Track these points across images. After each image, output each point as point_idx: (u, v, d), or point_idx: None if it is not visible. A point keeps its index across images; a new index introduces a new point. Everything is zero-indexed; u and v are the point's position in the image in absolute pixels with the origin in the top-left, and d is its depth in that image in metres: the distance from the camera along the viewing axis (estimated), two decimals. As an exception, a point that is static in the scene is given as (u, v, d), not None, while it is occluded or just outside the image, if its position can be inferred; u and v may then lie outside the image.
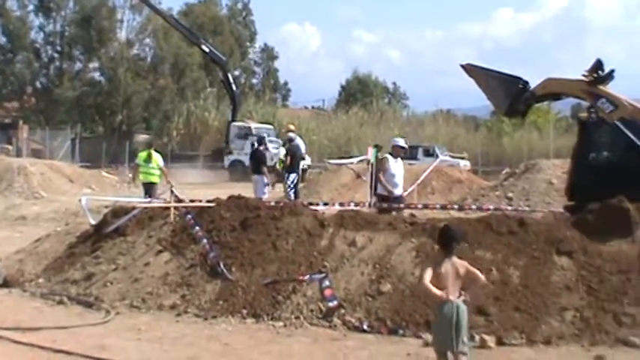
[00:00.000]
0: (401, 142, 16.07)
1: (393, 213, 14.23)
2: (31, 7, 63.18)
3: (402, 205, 15.28)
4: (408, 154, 48.38)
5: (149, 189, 21.49)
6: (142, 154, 22.37)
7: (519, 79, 14.85)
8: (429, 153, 47.40)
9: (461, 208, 17.65)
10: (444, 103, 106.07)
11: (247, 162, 29.87)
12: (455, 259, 7.25)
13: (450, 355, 7.09)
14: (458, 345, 7.06)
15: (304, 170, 33.33)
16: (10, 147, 47.99)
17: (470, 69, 15.60)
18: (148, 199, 18.56)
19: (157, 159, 22.17)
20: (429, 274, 7.11)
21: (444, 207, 17.26)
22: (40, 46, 63.74)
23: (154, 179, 21.85)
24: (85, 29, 61.35)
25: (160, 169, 22.03)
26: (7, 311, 10.64)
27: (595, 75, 13.43)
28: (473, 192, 25.23)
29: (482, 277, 7.41)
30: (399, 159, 15.66)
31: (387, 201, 15.24)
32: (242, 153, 46.53)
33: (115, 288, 11.40)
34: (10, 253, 14.54)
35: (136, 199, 18.02)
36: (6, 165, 32.93)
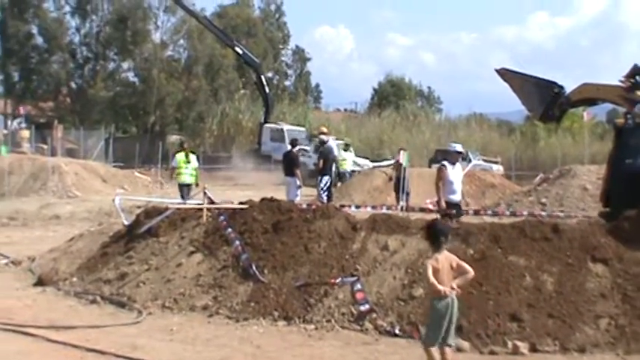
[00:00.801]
0: (458, 147, 15.57)
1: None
2: (67, 9, 63.79)
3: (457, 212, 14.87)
4: (441, 158, 48.51)
5: (187, 190, 21.73)
6: (181, 156, 22.56)
7: (554, 83, 14.74)
8: (463, 157, 47.11)
9: (495, 214, 17.50)
10: (478, 107, 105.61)
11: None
12: (446, 253, 7.56)
13: (434, 350, 7.42)
14: (448, 337, 7.42)
15: (351, 173, 33.64)
16: (45, 146, 48.40)
17: (504, 73, 15.52)
18: (182, 200, 18.92)
19: (194, 160, 22.57)
20: (431, 269, 7.38)
21: (476, 212, 17.15)
22: (76, 47, 64.25)
23: (192, 180, 22.20)
24: (120, 30, 61.73)
25: (195, 169, 22.46)
26: (41, 310, 10.75)
27: (632, 81, 13.29)
28: (506, 197, 25.08)
29: (471, 270, 7.61)
30: (457, 164, 15.28)
31: (447, 207, 14.96)
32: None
33: (147, 288, 11.46)
34: (45, 252, 14.70)
35: (168, 199, 18.15)
36: (41, 164, 33.22)
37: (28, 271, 13.71)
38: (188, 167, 22.24)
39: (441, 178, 14.83)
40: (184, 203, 15.82)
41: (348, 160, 34.67)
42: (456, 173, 14.95)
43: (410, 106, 73.29)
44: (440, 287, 7.31)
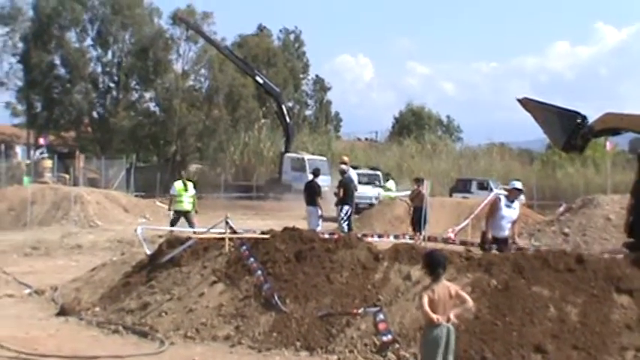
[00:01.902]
0: (518, 185, 15.11)
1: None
2: (89, 39, 64.41)
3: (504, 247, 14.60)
4: (462, 187, 48.24)
5: (186, 216, 23.31)
6: (179, 184, 23.77)
7: (577, 113, 14.70)
8: (484, 186, 46.99)
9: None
10: (498, 136, 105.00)
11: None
12: (445, 282, 7.60)
13: None
14: None
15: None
16: (67, 176, 48.70)
17: (526, 103, 15.51)
18: (194, 229, 20.26)
19: (191, 188, 23.95)
20: (427, 300, 7.42)
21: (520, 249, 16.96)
22: (98, 77, 64.79)
23: (190, 207, 23.53)
24: (142, 60, 62.25)
25: (193, 197, 23.90)
26: (64, 339, 10.78)
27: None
28: (528, 227, 24.94)
29: (470, 300, 7.71)
30: (515, 202, 14.96)
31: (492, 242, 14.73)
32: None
33: (169, 318, 11.47)
34: (67, 282, 14.77)
35: (190, 229, 18.21)
36: (63, 194, 33.39)
37: (50, 301, 13.76)
38: (186, 195, 23.45)
39: (492, 210, 14.59)
40: (207, 231, 15.85)
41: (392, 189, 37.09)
42: (510, 210, 14.65)
43: (430, 136, 73.37)
44: (433, 315, 7.36)
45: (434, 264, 7.67)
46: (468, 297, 7.69)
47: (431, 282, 7.63)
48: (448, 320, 7.41)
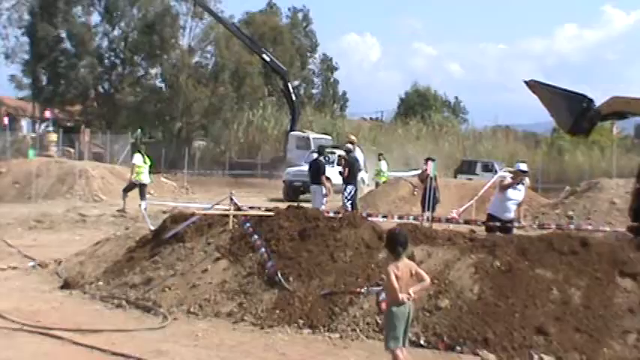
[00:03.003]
0: (523, 166, 15.13)
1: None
2: (95, 14, 64.31)
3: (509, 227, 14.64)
4: (467, 169, 48.17)
5: (143, 189, 25.01)
6: (140, 157, 25.43)
7: (584, 96, 14.62)
8: (488, 168, 46.96)
9: (541, 227, 17.34)
10: (504, 118, 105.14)
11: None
12: (405, 260, 7.89)
13: (399, 352, 7.79)
14: (406, 339, 7.93)
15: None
16: (72, 150, 48.80)
17: (533, 85, 15.42)
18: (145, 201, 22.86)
19: (148, 161, 25.56)
20: (393, 275, 7.67)
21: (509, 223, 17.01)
22: (104, 52, 64.71)
23: (148, 180, 25.51)
24: (148, 36, 62.13)
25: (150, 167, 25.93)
26: (67, 313, 10.82)
27: (663, 95, 13.18)
28: (532, 209, 24.91)
29: (428, 278, 7.92)
30: (520, 184, 15.03)
31: (495, 221, 14.79)
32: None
33: (172, 293, 11.50)
34: (71, 255, 14.80)
35: (194, 205, 18.23)
36: (68, 168, 33.44)
37: (54, 274, 13.80)
38: (146, 167, 25.08)
39: (500, 187, 14.70)
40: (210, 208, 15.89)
41: (383, 171, 36.13)
42: (515, 192, 14.72)
43: (436, 116, 73.25)
44: (400, 295, 7.62)
45: (394, 242, 7.92)
46: (426, 275, 7.90)
47: (393, 260, 7.86)
48: (409, 298, 7.72)
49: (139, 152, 25.26)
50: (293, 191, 36.21)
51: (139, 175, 24.53)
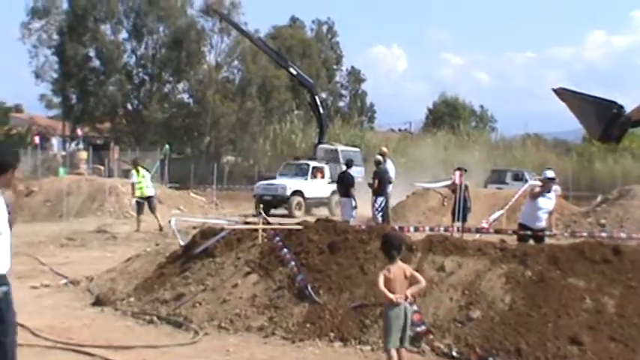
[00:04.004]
0: (550, 173, 15.08)
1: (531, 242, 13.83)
2: (124, 32, 64.91)
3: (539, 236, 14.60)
4: (497, 178, 47.88)
5: (151, 201, 25.06)
6: (133, 173, 25.55)
7: (614, 103, 14.45)
8: (518, 177, 46.66)
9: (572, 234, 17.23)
10: (534, 127, 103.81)
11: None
12: (400, 263, 8.26)
13: (394, 352, 8.07)
14: (405, 341, 8.19)
15: None
16: (101, 167, 49.16)
17: (562, 93, 15.29)
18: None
19: (146, 172, 25.75)
20: (382, 279, 8.07)
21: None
22: (132, 69, 65.25)
23: (152, 192, 25.36)
24: (175, 52, 62.59)
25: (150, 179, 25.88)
26: (99, 329, 10.88)
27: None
28: (564, 218, 24.76)
29: (423, 280, 8.37)
30: (550, 192, 14.99)
31: (526, 231, 14.74)
32: None
33: (203, 309, 11.52)
34: (102, 272, 14.89)
35: (224, 220, 18.28)
36: (98, 185, 33.66)
37: (86, 291, 13.88)
38: (145, 180, 25.08)
39: (530, 196, 14.65)
40: (237, 223, 15.93)
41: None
42: (546, 201, 14.66)
43: (464, 126, 73.01)
44: (390, 295, 7.98)
45: (388, 246, 8.33)
46: (421, 278, 8.34)
47: (387, 263, 8.25)
48: (406, 299, 8.06)
49: (135, 169, 25.42)
50: (264, 205, 34.30)
51: (142, 190, 24.71)
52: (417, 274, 8.34)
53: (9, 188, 7.19)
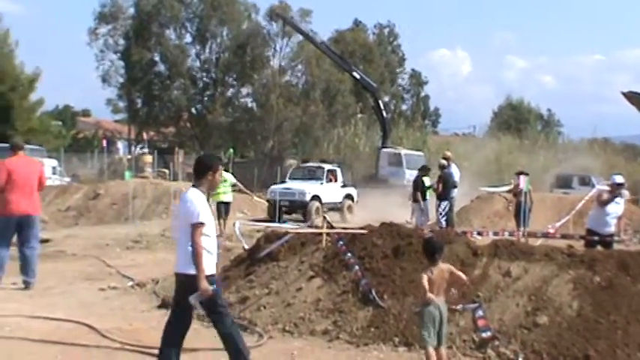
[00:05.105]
0: (618, 179, 14.79)
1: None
2: (188, 36, 65.65)
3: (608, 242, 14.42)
4: (563, 183, 47.23)
5: (227, 208, 24.66)
6: None
7: (684, 105, 14.29)
8: (585, 182, 45.94)
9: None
10: (602, 131, 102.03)
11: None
12: (441, 264, 8.58)
13: (431, 349, 8.36)
14: (442, 339, 8.49)
15: None
16: (166, 171, 49.72)
17: (631, 97, 15.17)
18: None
19: (230, 177, 25.23)
20: (426, 280, 8.42)
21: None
22: (196, 73, 65.92)
23: (229, 198, 25.07)
24: (239, 56, 63.05)
25: (234, 185, 25.74)
26: (165, 331, 11.00)
27: None
28: (633, 223, 24.33)
29: (464, 277, 8.77)
30: (619, 197, 14.78)
31: (594, 236, 14.56)
32: None
33: (267, 312, 11.59)
34: (168, 275, 15.04)
35: (287, 224, 18.35)
36: (163, 189, 34.09)
37: (152, 294, 14.06)
38: (224, 186, 24.41)
39: (599, 202, 14.47)
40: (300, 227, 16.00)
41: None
42: (614, 206, 14.46)
43: (530, 130, 72.22)
44: (429, 295, 8.38)
45: (432, 249, 8.65)
46: (462, 274, 8.71)
47: (429, 265, 8.59)
48: (444, 298, 8.52)
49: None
50: (278, 211, 32.06)
51: (218, 195, 24.35)
52: (458, 272, 8.69)
53: (213, 190, 8.25)
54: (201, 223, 7.96)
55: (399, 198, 31.74)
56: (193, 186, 8.25)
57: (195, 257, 7.90)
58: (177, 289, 8.51)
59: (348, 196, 36.66)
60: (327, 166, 36.61)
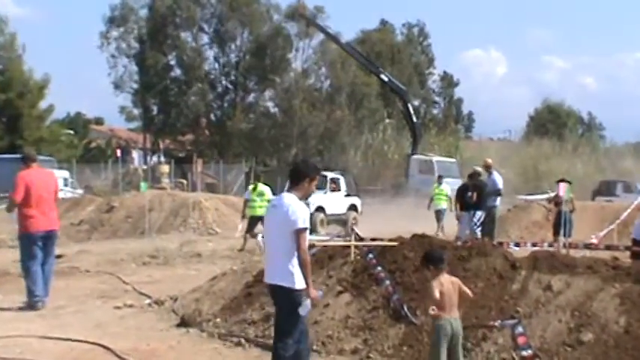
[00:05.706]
0: None
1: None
2: (205, 39, 65.75)
3: None
4: (606, 190, 46.97)
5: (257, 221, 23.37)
6: (253, 188, 24.66)
7: None
8: (630, 189, 45.68)
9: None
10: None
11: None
12: (446, 275, 8.53)
13: None
14: (459, 357, 8.47)
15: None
16: (184, 181, 49.86)
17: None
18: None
19: (268, 191, 24.42)
20: (437, 291, 8.28)
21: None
22: (215, 77, 65.97)
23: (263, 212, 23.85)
24: (260, 59, 63.07)
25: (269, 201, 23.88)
26: (185, 352, 11.02)
27: None
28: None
29: (469, 292, 8.77)
30: None
31: None
32: None
33: (293, 330, 11.56)
34: (187, 292, 15.08)
35: (314, 237, 18.32)
36: (181, 200, 34.08)
37: (170, 312, 14.06)
38: (260, 200, 23.95)
39: None
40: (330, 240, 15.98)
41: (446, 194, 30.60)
42: None
43: (570, 134, 71.91)
44: (431, 310, 8.30)
45: (436, 259, 8.62)
46: (467, 289, 8.70)
47: (434, 276, 8.47)
48: (457, 313, 8.39)
49: (254, 185, 24.95)
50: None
51: (254, 210, 24.14)
52: (463, 286, 8.66)
53: (306, 198, 8.44)
54: (306, 228, 8.11)
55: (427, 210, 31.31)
56: (287, 191, 8.48)
57: (303, 265, 8.03)
58: (278, 303, 8.54)
59: (352, 207, 36.67)
60: (329, 174, 36.52)
